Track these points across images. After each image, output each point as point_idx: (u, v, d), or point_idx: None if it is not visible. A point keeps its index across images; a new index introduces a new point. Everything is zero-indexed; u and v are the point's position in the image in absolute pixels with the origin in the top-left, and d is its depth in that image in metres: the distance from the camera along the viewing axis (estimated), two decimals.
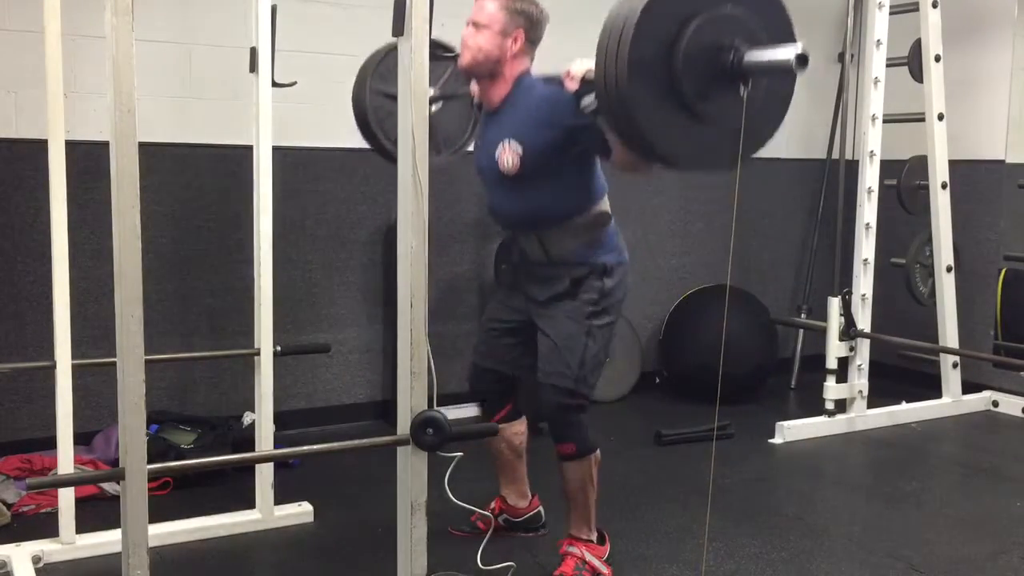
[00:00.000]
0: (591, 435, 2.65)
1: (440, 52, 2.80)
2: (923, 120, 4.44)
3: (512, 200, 2.64)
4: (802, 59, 1.83)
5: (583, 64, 2.32)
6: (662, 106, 1.92)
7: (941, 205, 4.46)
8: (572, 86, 2.37)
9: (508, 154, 2.54)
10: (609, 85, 1.91)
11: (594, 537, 2.72)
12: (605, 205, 2.66)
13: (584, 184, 2.60)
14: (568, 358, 2.57)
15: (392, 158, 2.53)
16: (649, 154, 2.07)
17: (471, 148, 2.87)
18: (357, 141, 4.10)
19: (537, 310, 2.67)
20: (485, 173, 2.69)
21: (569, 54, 2.42)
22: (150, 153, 3.31)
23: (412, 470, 1.91)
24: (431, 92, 2.78)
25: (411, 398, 1.89)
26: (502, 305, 2.84)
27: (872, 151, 4.26)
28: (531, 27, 2.57)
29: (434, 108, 2.83)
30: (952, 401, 4.56)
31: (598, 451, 2.68)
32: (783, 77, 1.98)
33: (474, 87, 2.72)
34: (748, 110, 1.92)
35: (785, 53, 1.86)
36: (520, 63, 2.59)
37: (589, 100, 2.30)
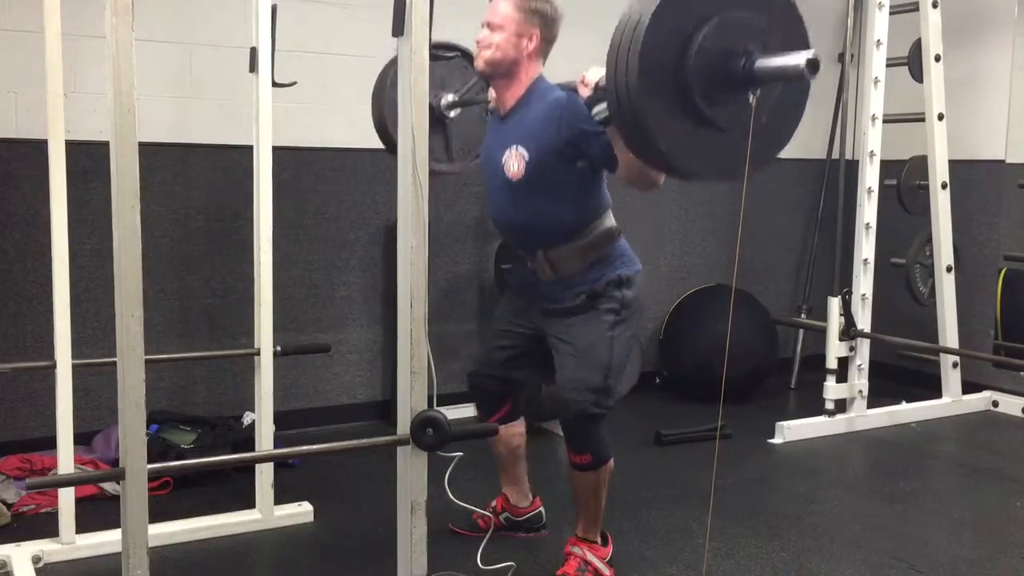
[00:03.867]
0: (608, 445, 2.62)
1: (441, 53, 2.81)
2: (923, 120, 4.45)
3: (515, 209, 2.62)
4: (813, 65, 1.81)
5: (597, 71, 2.31)
6: (673, 111, 1.88)
7: (941, 205, 4.46)
8: (585, 92, 2.35)
9: (514, 159, 2.53)
10: (620, 89, 1.88)
11: (598, 538, 2.72)
12: (610, 220, 2.63)
13: (587, 198, 2.58)
14: (591, 368, 2.54)
15: None
16: (659, 161, 2.03)
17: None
18: (357, 141, 4.13)
19: (552, 321, 2.64)
20: (490, 177, 2.68)
21: (584, 48, 2.39)
22: (150, 153, 3.32)
23: (412, 470, 1.91)
24: (449, 97, 2.78)
25: (411, 398, 1.89)
26: (508, 322, 2.81)
27: (872, 151, 4.26)
28: (546, 26, 2.56)
29: (452, 114, 2.83)
30: (952, 401, 4.56)
31: (612, 460, 2.65)
32: (795, 84, 1.95)
33: (491, 93, 2.71)
34: (762, 117, 1.89)
35: (796, 59, 1.83)
36: (536, 64, 2.59)
37: (601, 107, 2.27)
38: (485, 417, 2.87)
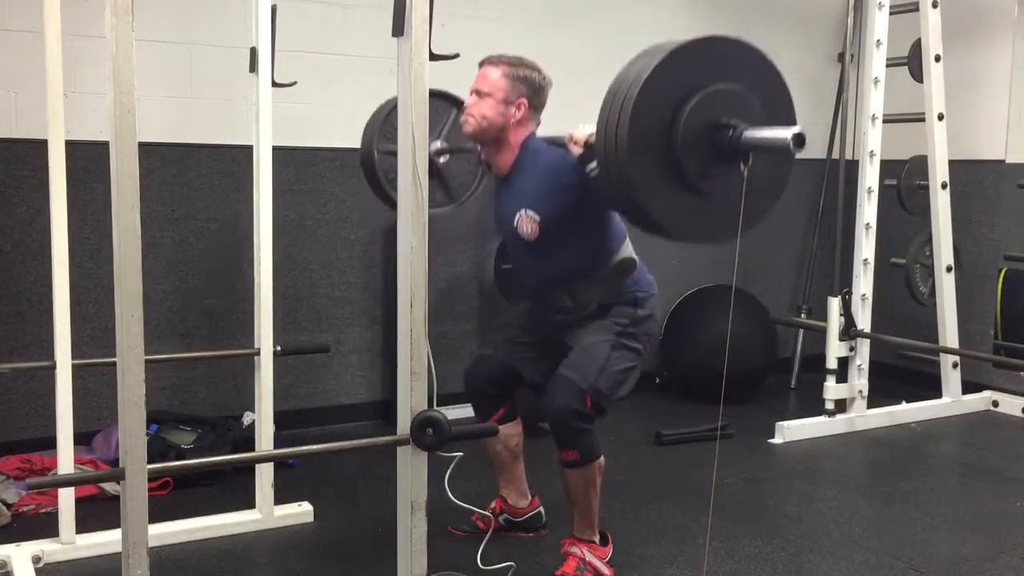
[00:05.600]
0: (596, 443, 2.62)
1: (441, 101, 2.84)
2: (923, 120, 4.44)
3: (537, 265, 2.69)
4: (799, 139, 1.88)
5: (586, 129, 2.34)
6: (661, 180, 1.95)
7: (941, 205, 4.46)
8: (576, 150, 2.40)
9: (526, 223, 2.59)
10: (609, 158, 1.94)
11: (596, 538, 2.71)
12: (628, 250, 2.70)
13: (602, 239, 2.65)
14: (584, 367, 2.57)
15: None
16: (646, 225, 2.12)
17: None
18: (357, 141, 4.12)
19: (563, 330, 2.71)
20: (506, 237, 2.76)
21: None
22: (150, 153, 3.33)
23: (412, 470, 1.91)
24: (437, 144, 2.81)
25: (411, 398, 1.89)
26: (519, 328, 2.88)
27: (872, 151, 4.26)
28: (534, 94, 2.62)
29: (442, 160, 2.85)
30: (952, 401, 4.56)
31: (602, 458, 2.65)
32: (781, 156, 1.99)
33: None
34: (746, 185, 1.96)
35: (783, 133, 1.90)
36: (524, 129, 2.64)
37: (593, 165, 2.32)
38: (482, 419, 2.88)
